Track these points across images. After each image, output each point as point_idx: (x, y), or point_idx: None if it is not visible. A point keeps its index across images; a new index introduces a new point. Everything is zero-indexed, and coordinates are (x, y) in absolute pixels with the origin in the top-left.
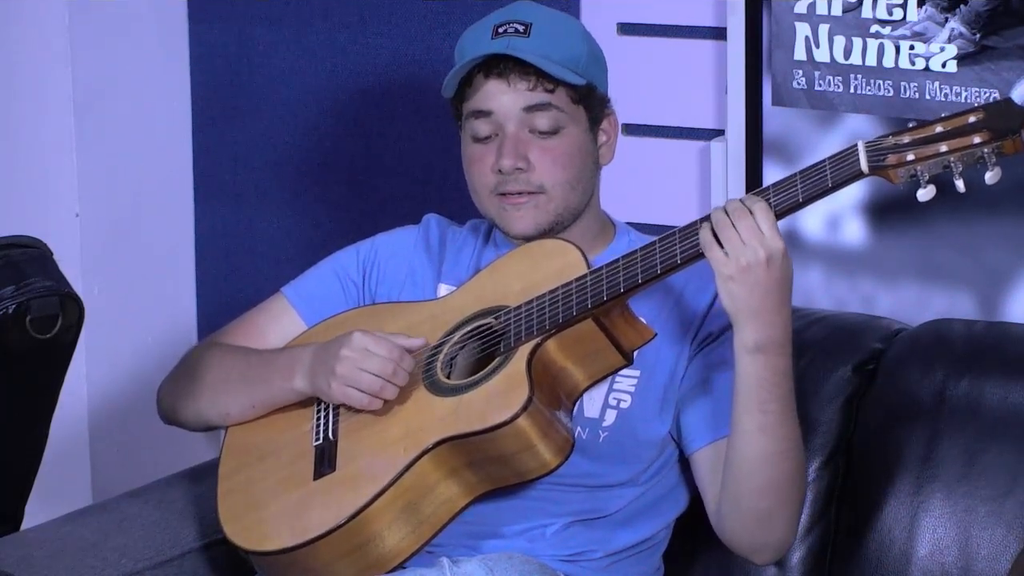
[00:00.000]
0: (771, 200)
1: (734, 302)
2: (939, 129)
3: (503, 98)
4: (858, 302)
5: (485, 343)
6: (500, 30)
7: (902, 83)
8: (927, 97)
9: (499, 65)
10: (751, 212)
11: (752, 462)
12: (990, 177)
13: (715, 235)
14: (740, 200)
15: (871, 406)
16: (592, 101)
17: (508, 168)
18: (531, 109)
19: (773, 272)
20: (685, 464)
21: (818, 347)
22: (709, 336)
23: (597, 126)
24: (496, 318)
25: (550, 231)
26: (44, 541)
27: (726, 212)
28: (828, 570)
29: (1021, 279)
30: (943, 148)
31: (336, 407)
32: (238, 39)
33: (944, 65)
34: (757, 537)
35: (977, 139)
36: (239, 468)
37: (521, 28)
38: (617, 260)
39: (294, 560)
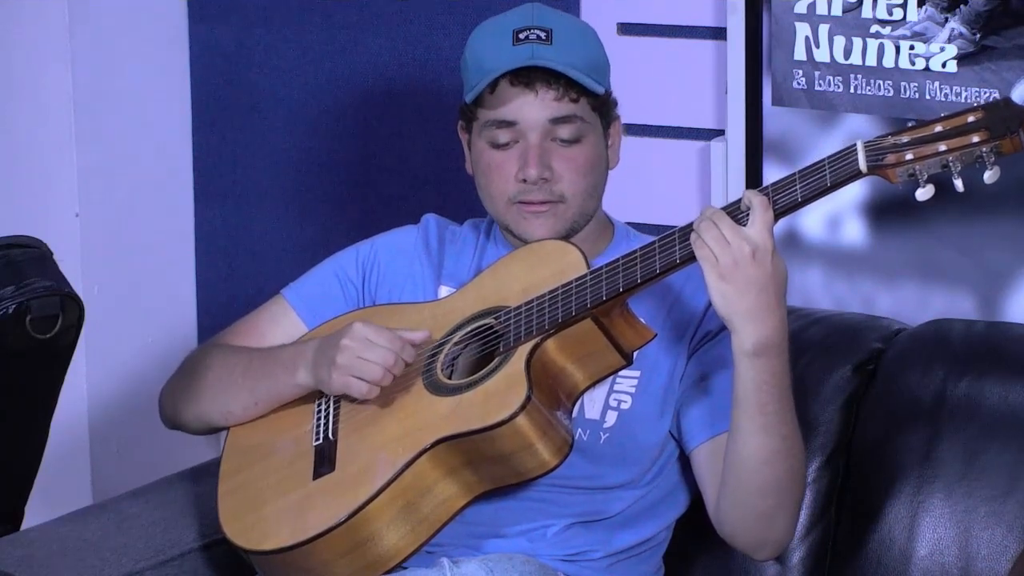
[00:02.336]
0: (770, 199)
1: (727, 304)
2: (938, 129)
3: (528, 109)
4: (858, 302)
5: (485, 343)
6: (521, 36)
7: (902, 83)
8: (927, 97)
9: (527, 74)
10: (750, 208)
11: (753, 462)
12: (989, 176)
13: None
14: (740, 198)
15: (871, 406)
16: (607, 108)
17: (534, 178)
18: (556, 121)
19: (762, 267)
20: (685, 464)
21: (818, 347)
22: (707, 335)
23: (607, 131)
24: (496, 318)
25: (565, 237)
26: (44, 541)
27: (707, 218)
28: (828, 570)
29: (1021, 279)
30: (942, 147)
31: (337, 407)
32: (238, 39)
33: (944, 65)
34: (758, 534)
35: (976, 138)
36: (240, 468)
37: (543, 35)
38: (616, 260)
39: (293, 559)
